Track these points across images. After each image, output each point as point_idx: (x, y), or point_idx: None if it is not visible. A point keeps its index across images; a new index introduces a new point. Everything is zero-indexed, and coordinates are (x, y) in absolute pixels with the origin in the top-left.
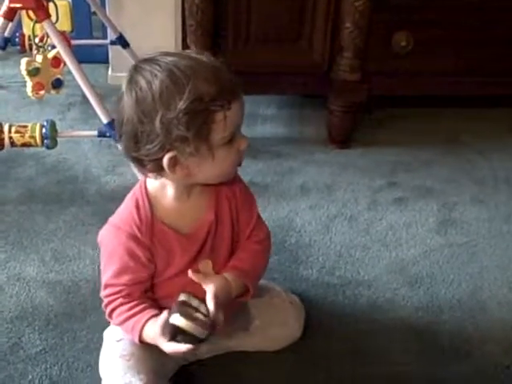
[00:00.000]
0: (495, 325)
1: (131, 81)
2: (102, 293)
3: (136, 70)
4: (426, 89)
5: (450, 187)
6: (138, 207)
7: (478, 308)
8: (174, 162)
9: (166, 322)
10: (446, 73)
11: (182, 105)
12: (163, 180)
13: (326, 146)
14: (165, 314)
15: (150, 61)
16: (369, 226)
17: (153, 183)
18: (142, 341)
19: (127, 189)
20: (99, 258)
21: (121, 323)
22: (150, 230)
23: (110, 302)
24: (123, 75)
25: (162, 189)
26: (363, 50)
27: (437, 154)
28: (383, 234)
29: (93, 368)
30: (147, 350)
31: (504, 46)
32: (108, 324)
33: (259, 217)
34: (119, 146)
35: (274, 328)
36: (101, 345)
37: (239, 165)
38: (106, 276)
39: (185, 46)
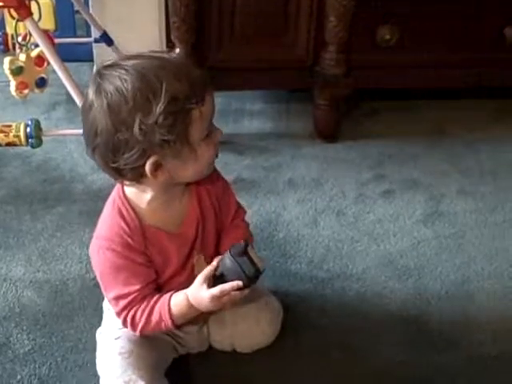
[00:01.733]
0: (483, 315)
1: (99, 89)
2: (116, 309)
3: (101, 77)
4: (411, 81)
5: (437, 179)
6: (122, 216)
7: (466, 299)
8: (156, 167)
9: (229, 250)
10: (431, 65)
11: (159, 108)
12: (142, 186)
13: (312, 140)
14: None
15: (113, 66)
16: (356, 219)
17: (130, 189)
18: (174, 322)
19: (114, 187)
20: (87, 257)
21: (146, 322)
22: (141, 235)
23: (128, 313)
24: None
25: (141, 193)
26: (347, 44)
27: (423, 146)
28: (371, 227)
29: (81, 367)
30: (146, 346)
31: (486, 38)
32: (99, 323)
33: (235, 198)
34: (95, 159)
35: (245, 325)
36: (90, 344)
37: (216, 156)
38: (114, 290)
39: (169, 42)
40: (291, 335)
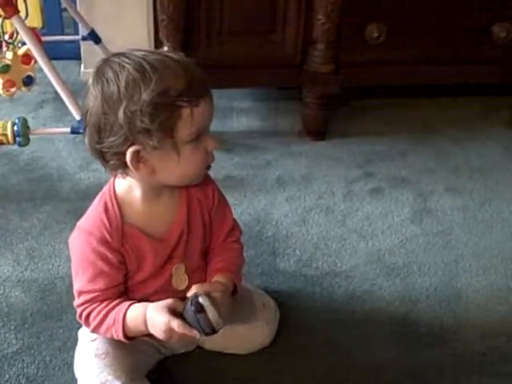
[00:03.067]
0: (471, 312)
1: (98, 72)
2: (76, 301)
3: (105, 62)
4: (399, 79)
5: (425, 176)
6: (106, 210)
7: (454, 296)
8: (137, 157)
9: (193, 298)
10: (419, 62)
11: (146, 96)
12: (131, 181)
13: (301, 138)
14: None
15: (119, 54)
16: (345, 216)
17: (121, 185)
18: (125, 332)
19: (102, 186)
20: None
21: (99, 323)
22: (120, 233)
23: (85, 309)
24: None
25: (131, 191)
26: (336, 42)
27: (411, 143)
28: (359, 224)
29: (70, 366)
30: (122, 347)
31: (475, 34)
32: None
33: (233, 217)
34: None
35: (243, 328)
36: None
37: (208, 167)
38: (79, 283)
39: (157, 40)
40: (281, 333)
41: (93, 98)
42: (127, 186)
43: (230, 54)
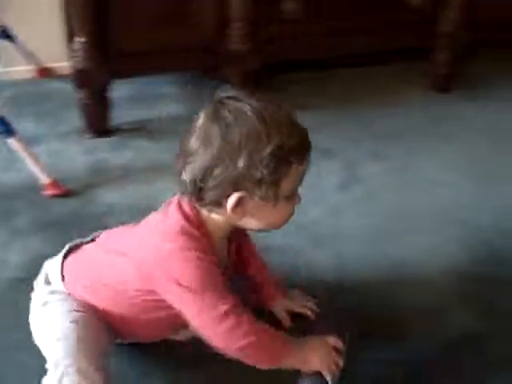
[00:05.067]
0: (400, 271)
1: (215, 113)
2: (222, 327)
3: (221, 103)
4: (319, 52)
5: (350, 145)
6: (193, 236)
7: (382, 258)
8: (238, 202)
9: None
10: (337, 33)
11: (269, 149)
12: (212, 216)
13: None
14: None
15: (237, 99)
16: None
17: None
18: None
19: (25, 185)
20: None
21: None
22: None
23: (238, 325)
24: (16, 69)
25: (208, 224)
26: (252, 19)
27: (335, 113)
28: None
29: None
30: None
31: (389, 2)
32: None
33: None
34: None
35: None
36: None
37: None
38: (219, 306)
39: (70, 34)
40: None
41: (207, 139)
42: (207, 219)
43: (146, 40)
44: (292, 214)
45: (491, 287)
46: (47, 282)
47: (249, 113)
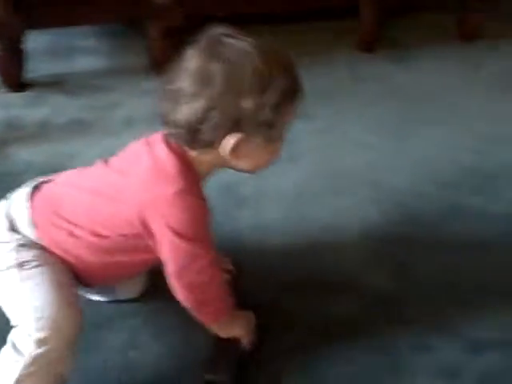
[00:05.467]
0: (318, 232)
1: (218, 54)
2: (201, 278)
3: (222, 43)
4: (245, 6)
5: None
6: (190, 172)
7: (302, 219)
8: (237, 144)
9: None
10: None
11: (275, 90)
12: (201, 157)
13: (149, 74)
14: None
15: (233, 36)
16: None
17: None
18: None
19: None
20: None
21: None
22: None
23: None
24: None
25: (198, 165)
26: None
27: None
28: None
29: None
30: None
31: None
32: None
33: None
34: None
35: None
36: None
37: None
38: (207, 256)
39: None
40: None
41: (208, 78)
42: (193, 159)
43: None
44: (279, 154)
45: (405, 249)
46: (13, 230)
47: (249, 49)
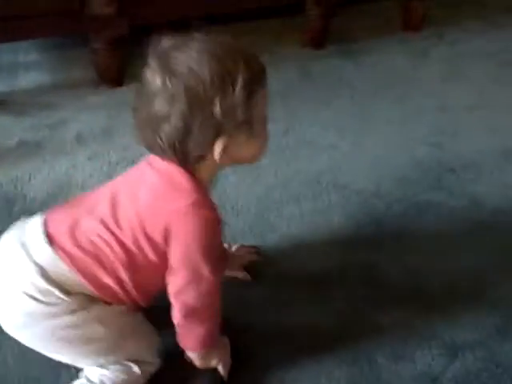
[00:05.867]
0: (285, 242)
1: (168, 71)
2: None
3: (168, 59)
4: (188, 11)
5: None
6: (202, 194)
7: (267, 229)
8: (224, 148)
9: None
10: None
11: (239, 88)
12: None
13: (96, 87)
14: None
15: (177, 48)
16: None
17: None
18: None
19: None
20: None
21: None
22: None
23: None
24: None
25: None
26: None
27: None
28: None
29: None
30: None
31: None
32: None
33: None
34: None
35: None
36: None
37: None
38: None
39: None
40: None
41: (172, 97)
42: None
43: (2, 3)
44: (268, 136)
45: (372, 253)
46: (48, 279)
47: (200, 56)
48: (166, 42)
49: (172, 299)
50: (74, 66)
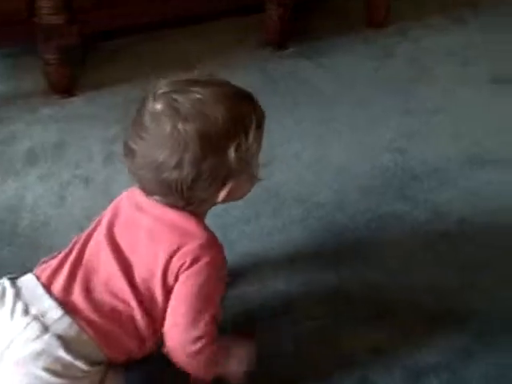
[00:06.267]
0: (245, 260)
1: (176, 113)
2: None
3: (171, 101)
4: (139, 17)
5: None
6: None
7: (228, 248)
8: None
9: None
10: None
11: (252, 129)
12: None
13: (47, 98)
14: None
15: (184, 91)
16: (107, 184)
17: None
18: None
19: None
20: None
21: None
22: None
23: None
24: None
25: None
26: None
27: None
28: (124, 189)
29: None
30: None
31: None
32: None
33: None
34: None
35: None
36: None
37: None
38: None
39: None
40: None
41: (179, 144)
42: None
43: None
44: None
45: (334, 270)
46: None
47: (210, 100)
48: (167, 83)
49: (175, 355)
50: (24, 76)
